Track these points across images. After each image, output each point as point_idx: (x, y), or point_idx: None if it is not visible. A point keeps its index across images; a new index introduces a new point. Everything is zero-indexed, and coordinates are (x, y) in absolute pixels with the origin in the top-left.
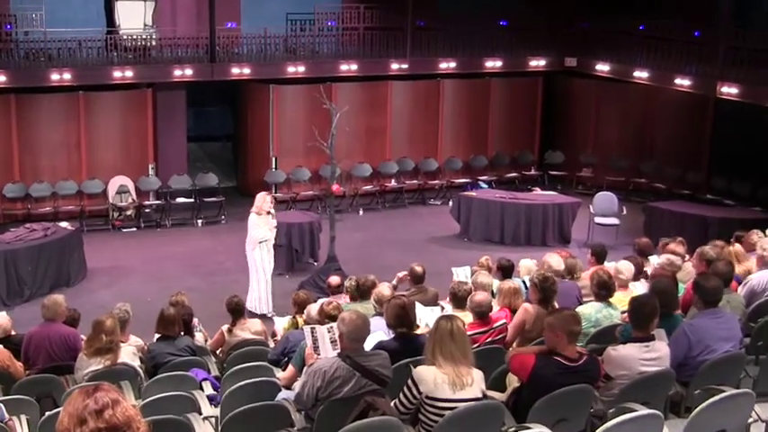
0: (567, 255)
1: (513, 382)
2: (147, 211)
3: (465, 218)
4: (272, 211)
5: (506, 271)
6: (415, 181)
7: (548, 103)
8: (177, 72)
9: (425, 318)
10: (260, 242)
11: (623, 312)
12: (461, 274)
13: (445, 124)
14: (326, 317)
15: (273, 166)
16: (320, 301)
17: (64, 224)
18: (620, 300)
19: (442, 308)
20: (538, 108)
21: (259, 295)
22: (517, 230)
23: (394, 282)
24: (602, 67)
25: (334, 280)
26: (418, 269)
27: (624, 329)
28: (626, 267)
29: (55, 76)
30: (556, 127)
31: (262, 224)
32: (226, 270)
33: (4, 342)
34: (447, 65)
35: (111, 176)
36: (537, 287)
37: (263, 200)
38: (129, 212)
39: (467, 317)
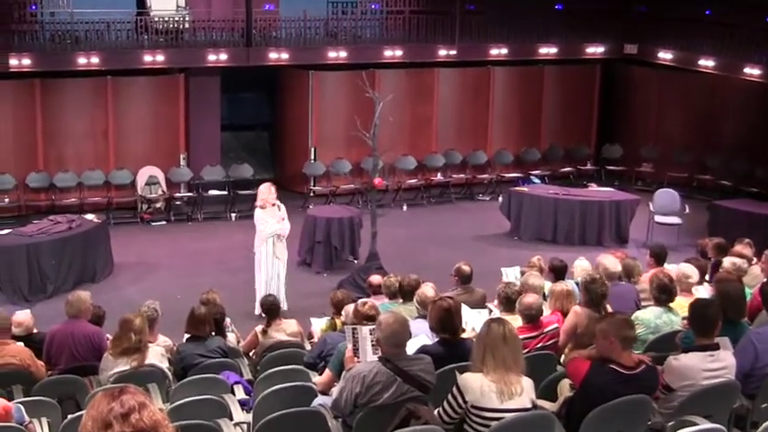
0: (625, 256)
1: (564, 391)
2: (178, 203)
3: (515, 215)
4: (278, 202)
5: (559, 272)
6: (463, 175)
7: (605, 92)
8: (211, 57)
9: (472, 321)
10: (269, 236)
11: (684, 318)
12: (511, 274)
13: (495, 115)
14: (362, 318)
15: (312, 158)
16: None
17: (90, 216)
18: (682, 305)
19: (490, 310)
20: (595, 98)
21: (259, 294)
22: (571, 229)
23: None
24: (665, 55)
25: (376, 279)
26: (465, 268)
27: (685, 336)
28: (692, 270)
29: (82, 60)
30: (614, 119)
31: (269, 218)
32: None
33: (26, 340)
34: (498, 51)
35: (140, 167)
36: (583, 289)
37: (268, 191)
38: (158, 205)
39: (516, 320)
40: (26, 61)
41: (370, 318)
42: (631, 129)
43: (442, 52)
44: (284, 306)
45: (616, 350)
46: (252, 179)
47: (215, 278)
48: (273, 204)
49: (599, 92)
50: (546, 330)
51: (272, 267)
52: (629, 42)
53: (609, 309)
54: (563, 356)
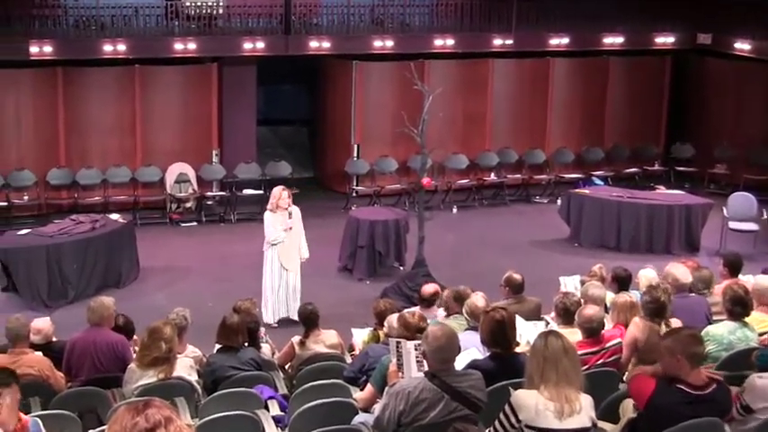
0: (696, 265)
1: (627, 412)
2: (210, 203)
3: (576, 219)
4: (292, 208)
5: (623, 282)
6: (519, 175)
7: (676, 86)
8: (247, 45)
9: (527, 334)
10: (272, 244)
11: (762, 335)
12: (570, 284)
13: (555, 110)
14: (409, 329)
15: (355, 155)
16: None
17: (115, 216)
18: (759, 320)
19: (547, 322)
20: (664, 93)
21: (265, 301)
22: (636, 235)
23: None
24: (743, 45)
25: (429, 289)
26: (516, 277)
27: (762, 355)
28: None
29: (108, 48)
30: (685, 115)
31: (277, 223)
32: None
33: (44, 349)
34: (558, 41)
35: (169, 163)
36: (643, 297)
37: (279, 195)
38: (188, 204)
39: (575, 334)
40: (47, 48)
41: (418, 330)
42: (704, 126)
43: (497, 41)
44: (284, 314)
45: (683, 368)
46: (290, 177)
47: (249, 284)
48: (285, 209)
49: (669, 85)
50: (607, 346)
51: (278, 276)
52: (703, 31)
53: (677, 323)
54: (626, 374)
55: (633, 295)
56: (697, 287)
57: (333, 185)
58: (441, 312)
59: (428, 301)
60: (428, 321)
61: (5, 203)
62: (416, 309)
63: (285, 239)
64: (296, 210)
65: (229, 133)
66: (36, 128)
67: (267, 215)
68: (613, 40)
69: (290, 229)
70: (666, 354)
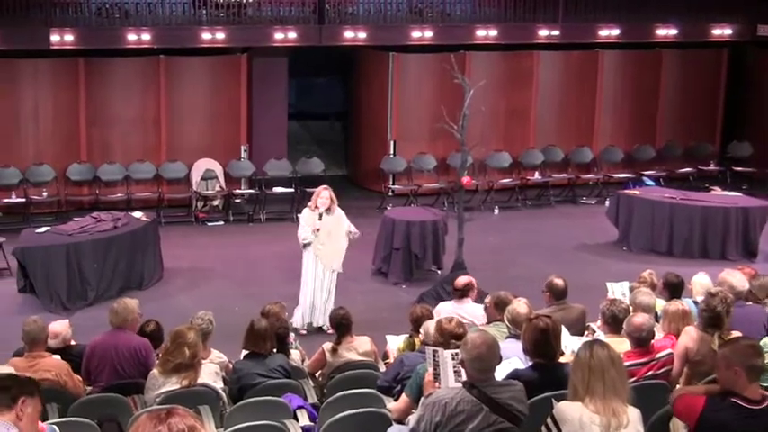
0: (754, 272)
1: (679, 427)
2: (238, 201)
3: (625, 221)
4: (322, 210)
5: (675, 289)
6: (565, 174)
7: (733, 81)
8: (278, 35)
9: (572, 343)
10: (303, 244)
11: None
12: (618, 290)
13: (603, 106)
14: (447, 336)
15: (391, 152)
16: (439, 308)
17: (138, 214)
18: None
19: (593, 331)
20: (721, 88)
21: (302, 307)
22: (690, 239)
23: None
24: None
25: (462, 279)
26: (558, 282)
27: None
28: None
29: (131, 37)
30: (743, 112)
31: (309, 222)
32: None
33: (62, 353)
34: (608, 32)
35: (195, 159)
36: (700, 306)
37: (317, 194)
38: (215, 203)
39: (622, 344)
40: (68, 37)
41: (455, 337)
42: (763, 123)
43: (543, 33)
44: (320, 323)
45: (741, 381)
46: (322, 175)
47: (278, 287)
48: (328, 210)
49: (726, 80)
50: (658, 357)
51: (312, 279)
52: (763, 22)
53: (733, 333)
54: (677, 386)
55: (685, 303)
56: (755, 295)
57: (367, 184)
58: (472, 305)
59: (461, 292)
60: (467, 328)
61: (23, 200)
62: (450, 303)
63: (324, 242)
64: (339, 213)
65: (259, 128)
66: (56, 121)
67: (303, 213)
68: (666, 32)
69: (317, 230)
70: (723, 365)
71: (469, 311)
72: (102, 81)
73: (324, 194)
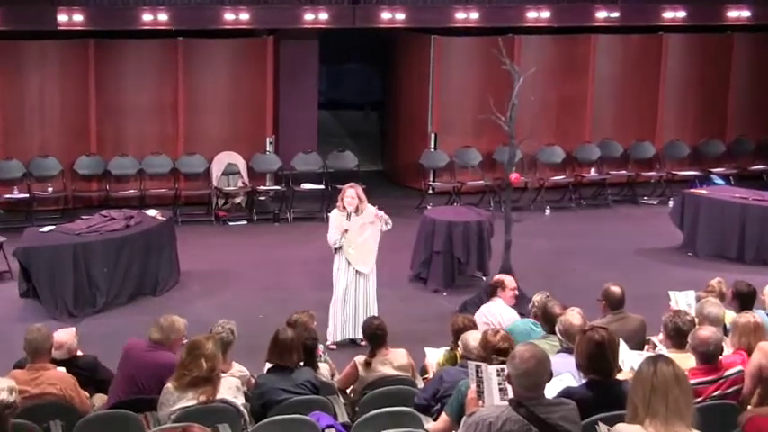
0: None
1: None
2: (263, 199)
3: (690, 224)
4: (350, 209)
5: (746, 299)
6: (624, 171)
7: None
8: (308, 16)
9: (630, 358)
10: (334, 249)
11: None
12: (682, 300)
13: (667, 95)
14: (491, 350)
15: (432, 146)
16: (479, 315)
17: (152, 212)
18: None
19: (654, 345)
20: None
21: (332, 320)
22: (762, 245)
23: None
24: None
25: (495, 276)
26: (615, 290)
27: None
28: None
29: (147, 17)
30: None
31: (338, 224)
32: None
33: (68, 365)
34: (673, 14)
35: (215, 152)
36: None
37: (343, 193)
38: (237, 200)
39: (687, 359)
40: (78, 17)
41: (500, 351)
42: None
43: (601, 14)
44: (352, 334)
45: None
46: (356, 171)
47: (306, 294)
48: (357, 210)
49: None
50: (727, 374)
51: (342, 287)
52: None
53: None
54: (748, 407)
55: (758, 315)
56: None
57: (405, 180)
58: (500, 305)
59: (491, 289)
60: (513, 340)
61: (26, 195)
62: (491, 307)
63: (355, 245)
64: (370, 210)
65: (286, 118)
66: (63, 109)
67: (332, 214)
68: (739, 14)
69: (345, 231)
70: None
71: (494, 312)
72: (115, 66)
73: (349, 193)
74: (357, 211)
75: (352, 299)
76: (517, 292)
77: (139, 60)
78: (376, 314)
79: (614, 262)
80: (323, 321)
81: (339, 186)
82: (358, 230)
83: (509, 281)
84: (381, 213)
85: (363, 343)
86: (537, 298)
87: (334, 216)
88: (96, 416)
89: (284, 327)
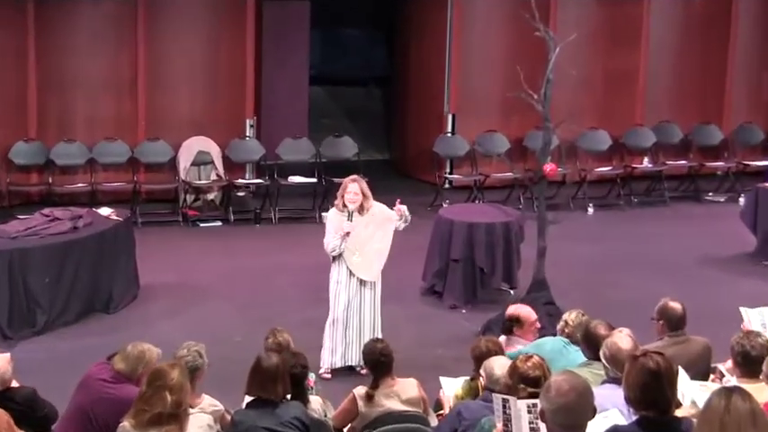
0: None
1: None
2: (241, 195)
3: (765, 226)
4: (355, 209)
5: None
6: (684, 162)
7: None
8: None
9: (691, 391)
10: (332, 255)
11: None
12: (756, 319)
13: (738, 69)
14: (517, 380)
15: (449, 130)
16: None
17: (105, 211)
18: None
19: (721, 374)
20: None
21: (329, 343)
22: None
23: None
24: None
25: (511, 310)
26: (675, 307)
27: None
28: None
29: None
30: None
31: (337, 226)
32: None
33: (0, 399)
34: None
35: (183, 137)
36: None
37: (343, 188)
38: (211, 196)
39: (761, 392)
40: None
41: (531, 381)
42: None
43: None
44: (354, 361)
45: None
46: (356, 160)
47: (295, 312)
48: (362, 207)
49: None
50: None
51: (343, 302)
52: None
53: None
54: None
55: None
56: None
57: (416, 172)
58: (521, 348)
59: (505, 327)
60: (548, 368)
61: None
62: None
63: (360, 251)
64: (377, 209)
65: (271, 96)
66: None
67: (329, 213)
68: None
69: (347, 235)
70: None
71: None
72: (59, 32)
73: (351, 188)
74: (362, 209)
75: (355, 319)
76: (539, 325)
77: (90, 25)
78: (380, 335)
79: (672, 273)
80: (314, 344)
81: (336, 180)
82: (364, 233)
83: (526, 314)
84: (404, 209)
85: (364, 371)
86: (571, 317)
87: (333, 216)
88: None
89: (267, 351)
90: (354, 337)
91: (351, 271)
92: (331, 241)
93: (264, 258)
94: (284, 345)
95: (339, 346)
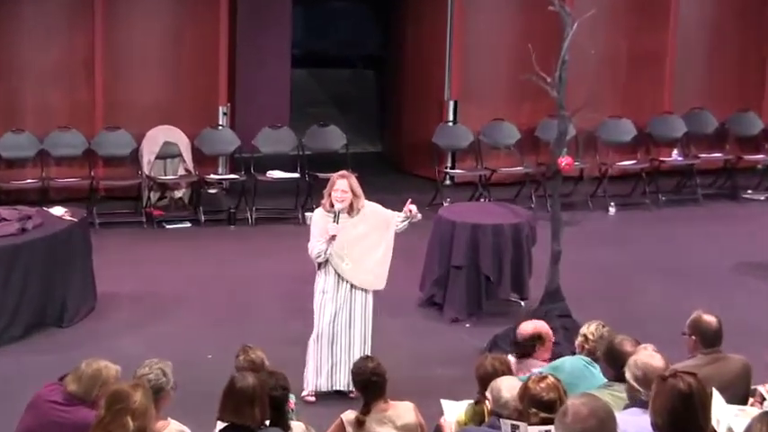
0: None
1: None
2: (213, 191)
3: None
4: (342, 209)
5: None
6: (719, 154)
7: None
8: None
9: (728, 416)
10: (317, 261)
11: None
12: None
13: None
14: (533, 403)
15: (450, 118)
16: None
17: (58, 210)
18: None
19: (761, 398)
20: None
21: (314, 362)
22: None
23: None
24: None
25: (527, 328)
26: (709, 320)
27: None
28: None
29: None
30: None
31: (323, 228)
32: None
33: None
34: None
35: (147, 127)
36: None
37: (330, 185)
38: (178, 194)
39: None
40: None
41: (544, 404)
42: None
43: None
44: (340, 384)
45: None
46: (344, 153)
47: (276, 326)
48: (352, 207)
49: None
50: None
51: (329, 314)
52: None
53: None
54: None
55: None
56: None
57: (413, 166)
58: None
59: (522, 348)
60: (564, 390)
61: None
62: (531, 363)
63: (351, 256)
64: (370, 209)
65: (247, 79)
66: None
67: (315, 214)
68: None
69: (332, 238)
70: None
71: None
72: (7, 10)
73: (339, 185)
74: (351, 209)
75: (344, 334)
76: (553, 340)
77: (41, 3)
78: (369, 353)
79: (706, 281)
80: (297, 363)
81: (321, 176)
82: (353, 234)
83: (547, 330)
84: (415, 209)
85: (353, 394)
86: (590, 330)
87: (318, 218)
88: None
89: (242, 372)
90: (342, 356)
91: (339, 279)
92: (316, 246)
93: (240, 265)
94: (258, 363)
95: (324, 365)
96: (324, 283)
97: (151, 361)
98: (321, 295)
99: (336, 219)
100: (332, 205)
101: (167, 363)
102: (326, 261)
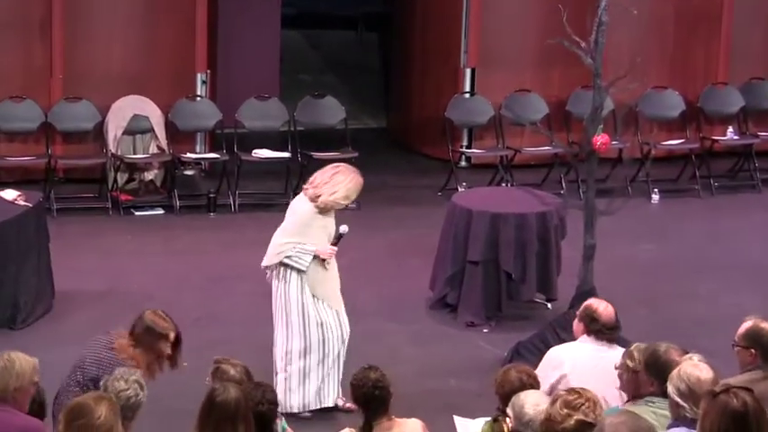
0: None
1: None
2: (190, 173)
3: None
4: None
5: None
6: None
7: None
8: None
9: None
10: (283, 263)
11: None
12: None
13: None
14: (561, 421)
15: (467, 89)
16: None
17: (10, 194)
18: None
19: None
20: None
21: (283, 374)
22: None
23: None
24: None
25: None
26: (765, 328)
27: None
28: None
29: None
30: None
31: (314, 226)
32: (353, 307)
33: None
34: None
35: (114, 97)
36: None
37: (320, 175)
38: (149, 176)
39: None
40: None
41: (581, 425)
42: None
43: None
44: (329, 399)
45: None
46: (342, 129)
47: (260, 329)
48: (346, 201)
49: None
50: None
51: (308, 322)
52: None
53: None
54: None
55: None
56: None
57: (423, 145)
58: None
59: (610, 331)
60: (601, 405)
61: None
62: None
63: (320, 285)
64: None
65: (230, 43)
66: None
67: (304, 206)
68: None
69: (336, 244)
70: None
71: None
72: None
73: (338, 179)
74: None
75: (331, 343)
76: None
77: None
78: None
79: (764, 282)
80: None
81: (316, 155)
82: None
83: (605, 309)
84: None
85: (348, 405)
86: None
87: (308, 216)
88: None
89: (223, 383)
90: (330, 372)
91: (316, 298)
92: (301, 255)
93: (220, 258)
94: (239, 381)
95: (314, 380)
96: (296, 288)
97: (123, 372)
98: (299, 308)
99: (338, 241)
100: (319, 198)
101: (138, 373)
102: (302, 271)
